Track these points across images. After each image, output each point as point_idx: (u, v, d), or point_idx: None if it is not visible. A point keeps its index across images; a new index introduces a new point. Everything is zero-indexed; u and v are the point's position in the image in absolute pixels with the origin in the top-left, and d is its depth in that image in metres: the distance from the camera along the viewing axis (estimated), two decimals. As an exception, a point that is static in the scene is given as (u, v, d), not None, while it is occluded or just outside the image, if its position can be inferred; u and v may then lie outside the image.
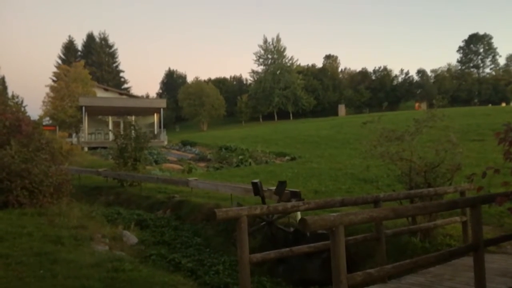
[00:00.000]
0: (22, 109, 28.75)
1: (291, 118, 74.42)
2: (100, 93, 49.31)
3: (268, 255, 5.34)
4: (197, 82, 75.96)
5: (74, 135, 42.16)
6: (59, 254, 6.87)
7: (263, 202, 9.12)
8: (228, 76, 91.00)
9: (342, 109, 70.87)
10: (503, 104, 63.10)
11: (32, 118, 22.89)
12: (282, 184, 9.54)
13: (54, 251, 7.08)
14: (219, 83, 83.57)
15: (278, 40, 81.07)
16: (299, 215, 8.92)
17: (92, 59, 78.59)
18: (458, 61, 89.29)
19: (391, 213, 4.26)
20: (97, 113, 42.42)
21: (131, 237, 10.10)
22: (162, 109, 42.27)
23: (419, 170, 8.20)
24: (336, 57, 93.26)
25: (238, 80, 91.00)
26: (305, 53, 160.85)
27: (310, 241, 7.25)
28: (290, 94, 76.10)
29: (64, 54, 79.87)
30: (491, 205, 6.10)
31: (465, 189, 7.34)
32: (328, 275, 4.02)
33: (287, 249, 5.53)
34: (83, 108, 38.97)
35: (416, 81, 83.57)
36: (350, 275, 3.59)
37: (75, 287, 5.34)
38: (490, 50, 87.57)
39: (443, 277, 5.64)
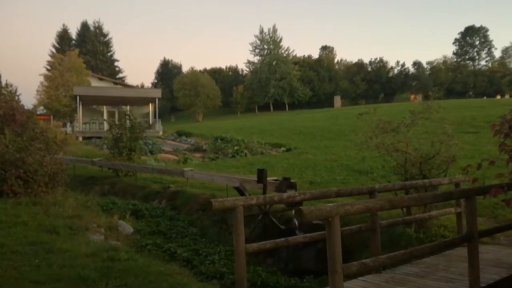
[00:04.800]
0: (16, 98, 28.53)
1: (287, 109, 74.34)
2: (95, 83, 48.93)
3: (264, 245, 5.36)
4: (193, 72, 75.46)
5: (68, 124, 41.85)
6: (55, 244, 6.85)
7: (264, 191, 9.17)
8: (223, 67, 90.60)
9: (337, 100, 70.83)
10: (498, 97, 63.28)
11: (26, 107, 22.74)
12: (261, 172, 9.49)
13: (49, 240, 7.05)
14: (215, 73, 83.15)
15: (275, 30, 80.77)
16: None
17: (87, 48, 77.82)
18: (453, 53, 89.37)
19: (387, 204, 4.28)
20: (91, 102, 42.14)
21: (126, 227, 10.09)
22: (157, 99, 42.03)
23: (414, 162, 8.24)
24: (332, 48, 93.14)
25: (234, 70, 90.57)
26: (302, 44, 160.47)
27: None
28: (286, 85, 75.91)
29: (58, 43, 78.95)
30: (485, 197, 6.16)
31: (460, 181, 7.38)
32: (323, 265, 4.05)
33: (283, 239, 5.56)
34: (78, 98, 38.69)
35: (412, 73, 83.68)
36: (346, 265, 3.61)
37: (70, 276, 5.33)
38: (486, 42, 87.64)
39: (437, 267, 5.69)
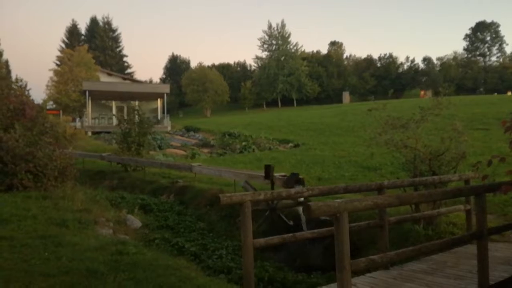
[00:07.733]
0: (26, 92, 28.62)
1: (295, 105, 74.10)
2: (104, 78, 49.19)
3: (271, 240, 5.36)
4: (201, 68, 75.42)
5: (77, 119, 42.20)
6: (64, 237, 6.91)
7: (272, 187, 9.18)
8: (232, 62, 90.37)
9: (346, 96, 70.49)
10: (509, 93, 62.43)
11: (36, 102, 22.84)
12: (268, 167, 9.49)
13: (59, 234, 7.12)
14: (223, 68, 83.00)
15: (283, 25, 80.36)
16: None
17: (96, 43, 78.17)
18: (464, 49, 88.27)
19: (396, 200, 4.25)
20: (100, 97, 42.40)
21: (135, 221, 10.16)
22: (165, 95, 42.16)
23: (424, 158, 8.18)
24: (341, 44, 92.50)
25: (242, 66, 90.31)
26: (310, 40, 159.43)
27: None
28: (294, 80, 75.63)
29: (67, 38, 79.39)
30: (495, 194, 6.10)
31: (469, 178, 7.32)
32: (330, 261, 4.04)
33: (290, 234, 5.55)
34: (87, 93, 38.97)
35: (422, 68, 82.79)
36: (354, 261, 3.60)
37: (79, 270, 5.38)
38: (497, 38, 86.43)
39: (446, 264, 5.65)
